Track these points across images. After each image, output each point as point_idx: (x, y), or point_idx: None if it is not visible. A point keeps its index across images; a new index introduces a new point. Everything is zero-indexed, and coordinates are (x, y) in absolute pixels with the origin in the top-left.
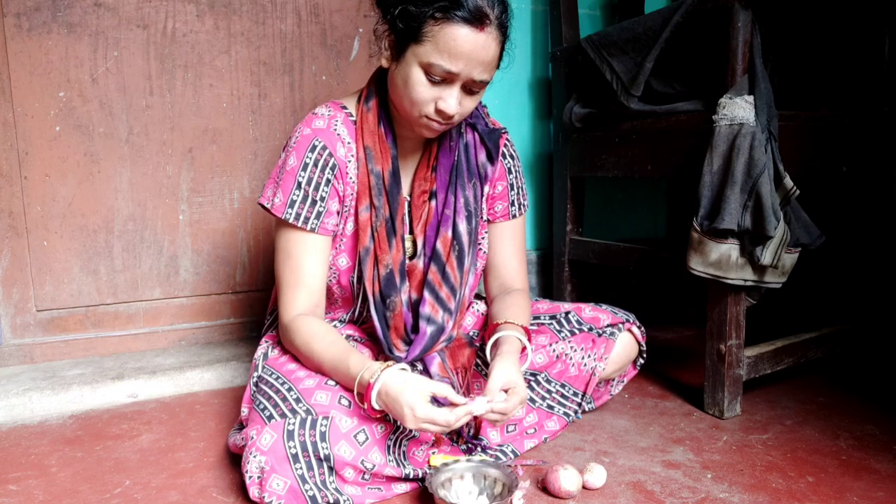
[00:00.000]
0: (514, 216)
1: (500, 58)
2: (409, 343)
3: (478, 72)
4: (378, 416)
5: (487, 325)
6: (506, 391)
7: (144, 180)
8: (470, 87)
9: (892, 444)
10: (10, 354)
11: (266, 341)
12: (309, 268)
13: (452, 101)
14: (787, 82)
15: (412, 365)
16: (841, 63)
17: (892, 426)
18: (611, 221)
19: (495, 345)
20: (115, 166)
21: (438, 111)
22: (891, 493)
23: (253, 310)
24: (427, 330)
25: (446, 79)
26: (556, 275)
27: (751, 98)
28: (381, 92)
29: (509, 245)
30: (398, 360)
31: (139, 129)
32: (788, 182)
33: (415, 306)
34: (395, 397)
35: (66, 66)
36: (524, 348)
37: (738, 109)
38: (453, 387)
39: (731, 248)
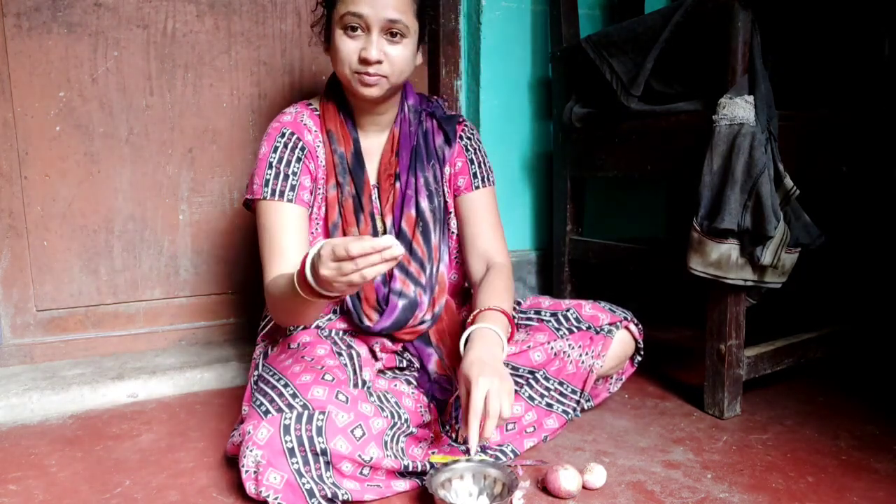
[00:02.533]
0: (477, 187)
1: (419, 5)
2: (382, 314)
3: (388, 11)
4: (318, 295)
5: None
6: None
7: (144, 180)
8: (390, 30)
9: (892, 444)
10: (10, 354)
11: (263, 340)
12: (286, 238)
13: (372, 49)
14: (787, 82)
15: (409, 363)
16: (841, 63)
17: (892, 426)
18: (611, 221)
19: (467, 341)
20: (116, 166)
21: (362, 60)
22: (891, 493)
23: (253, 310)
24: (398, 303)
25: (361, 27)
26: (555, 275)
27: (751, 98)
28: (338, 88)
29: (481, 216)
30: (368, 329)
31: (139, 129)
32: (788, 182)
33: (390, 282)
34: (313, 262)
35: (66, 66)
36: (511, 336)
37: (738, 109)
38: (450, 382)
39: (731, 248)
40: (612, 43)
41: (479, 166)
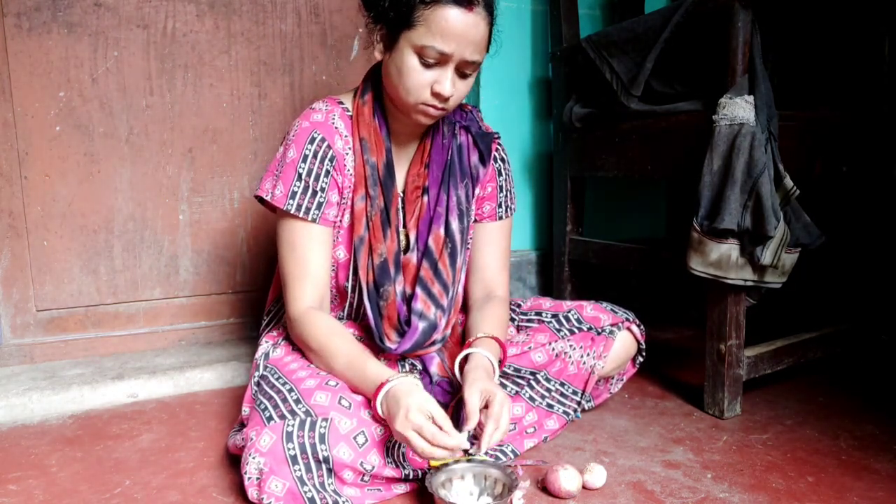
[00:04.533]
0: (500, 217)
1: (489, 40)
2: (401, 334)
3: (470, 51)
4: (381, 420)
5: (466, 333)
6: (485, 407)
7: (144, 180)
8: (462, 70)
9: (892, 444)
10: (10, 354)
11: (266, 341)
12: (314, 259)
13: (447, 84)
14: (787, 82)
15: (412, 364)
16: (841, 63)
17: (892, 426)
18: (611, 221)
19: (465, 361)
20: (115, 166)
21: (435, 94)
22: (891, 493)
23: (253, 310)
24: (419, 326)
25: (440, 61)
26: (556, 275)
27: (751, 98)
28: (375, 87)
29: (494, 247)
30: (389, 350)
31: (139, 129)
32: (788, 182)
33: (409, 300)
34: (398, 398)
35: (66, 66)
36: (502, 363)
37: (738, 109)
38: (452, 385)
39: (731, 248)
40: (612, 43)
41: (507, 195)
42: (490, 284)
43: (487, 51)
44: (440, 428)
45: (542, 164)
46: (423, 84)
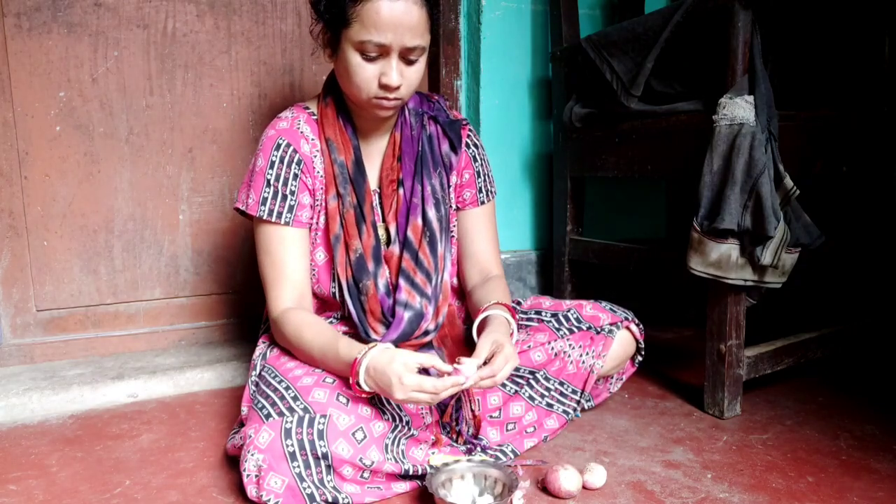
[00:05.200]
0: (482, 202)
1: (431, 21)
2: (388, 326)
3: (408, 38)
4: (365, 395)
5: (472, 313)
6: (492, 356)
7: (144, 180)
8: (407, 57)
9: (892, 444)
10: (10, 354)
11: (264, 342)
12: (289, 261)
13: (394, 74)
14: (787, 82)
15: None
16: (841, 63)
17: (892, 426)
18: (611, 221)
19: (482, 324)
20: (116, 166)
21: (383, 86)
22: (891, 493)
23: (253, 310)
24: (404, 315)
25: (381, 53)
26: (556, 275)
27: (751, 98)
28: (337, 89)
29: (483, 232)
30: (376, 343)
31: (139, 129)
32: (788, 182)
33: (395, 292)
34: (383, 369)
35: (66, 66)
36: (512, 332)
37: (738, 109)
38: None
39: (731, 248)
40: (612, 43)
41: (485, 179)
42: (486, 268)
43: (431, 33)
44: (434, 369)
45: (542, 164)
46: (369, 78)
